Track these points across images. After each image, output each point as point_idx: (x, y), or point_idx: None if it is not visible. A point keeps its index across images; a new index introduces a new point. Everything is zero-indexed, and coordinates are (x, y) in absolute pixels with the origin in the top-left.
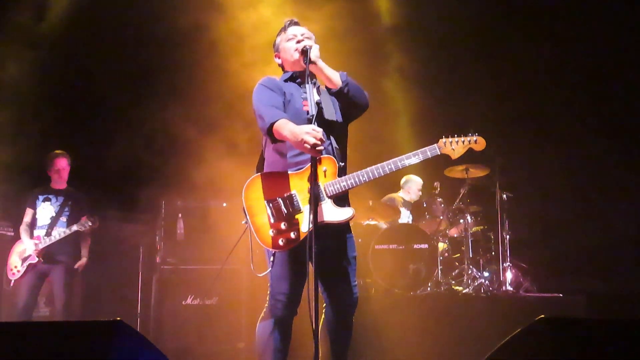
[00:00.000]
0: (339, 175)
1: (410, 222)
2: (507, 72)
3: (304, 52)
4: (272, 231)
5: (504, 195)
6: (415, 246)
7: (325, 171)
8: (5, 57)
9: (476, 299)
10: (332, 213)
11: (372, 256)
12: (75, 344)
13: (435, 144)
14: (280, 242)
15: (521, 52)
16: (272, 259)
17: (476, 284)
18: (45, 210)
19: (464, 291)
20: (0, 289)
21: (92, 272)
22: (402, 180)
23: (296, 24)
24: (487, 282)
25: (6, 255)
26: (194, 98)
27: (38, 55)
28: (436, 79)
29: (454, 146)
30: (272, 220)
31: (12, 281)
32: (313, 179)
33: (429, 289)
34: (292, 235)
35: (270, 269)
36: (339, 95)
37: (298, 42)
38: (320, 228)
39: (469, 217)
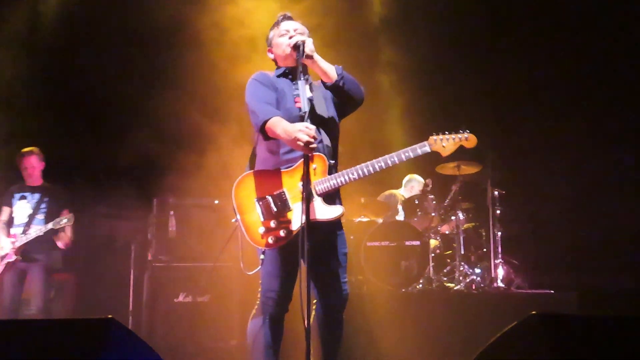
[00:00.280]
0: (330, 173)
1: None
2: (500, 68)
3: (297, 47)
4: (262, 229)
5: (496, 192)
6: (407, 243)
7: (315, 169)
8: None
9: (468, 295)
10: (322, 211)
11: (364, 253)
12: (67, 342)
13: (425, 142)
14: (270, 240)
15: (514, 48)
16: (262, 257)
17: (468, 280)
18: (22, 208)
19: (455, 288)
20: None
21: (83, 269)
22: (405, 179)
23: (289, 18)
24: (478, 278)
25: None
26: (185, 95)
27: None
28: (427, 75)
29: (445, 143)
30: (262, 218)
31: None
32: (306, 177)
33: (420, 285)
34: (282, 233)
35: (260, 266)
36: (335, 89)
37: (291, 37)
38: (311, 225)
39: (460, 214)
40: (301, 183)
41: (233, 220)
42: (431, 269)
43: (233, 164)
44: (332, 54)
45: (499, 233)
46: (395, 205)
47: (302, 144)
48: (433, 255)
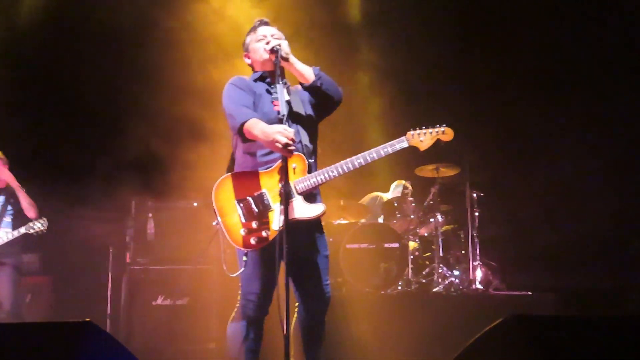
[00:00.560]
0: (309, 172)
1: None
2: (478, 71)
3: (274, 52)
4: (244, 230)
5: (474, 194)
6: (386, 245)
7: (294, 168)
8: None
9: (446, 297)
10: (302, 210)
11: (343, 255)
12: (43, 345)
13: (403, 137)
14: (252, 241)
15: (493, 50)
16: (244, 259)
17: (446, 282)
18: None
19: (434, 290)
20: None
21: (60, 272)
22: (394, 184)
23: (266, 24)
24: (457, 280)
25: None
26: (163, 98)
27: None
28: (405, 75)
29: (422, 137)
30: (243, 220)
31: None
32: (285, 178)
33: (399, 287)
34: (264, 233)
35: (243, 268)
36: (313, 89)
37: (268, 42)
38: (292, 226)
39: (439, 216)
40: (281, 183)
41: (214, 222)
42: (410, 271)
43: (212, 167)
44: (308, 54)
45: (478, 235)
46: (368, 208)
47: (280, 145)
48: (412, 257)
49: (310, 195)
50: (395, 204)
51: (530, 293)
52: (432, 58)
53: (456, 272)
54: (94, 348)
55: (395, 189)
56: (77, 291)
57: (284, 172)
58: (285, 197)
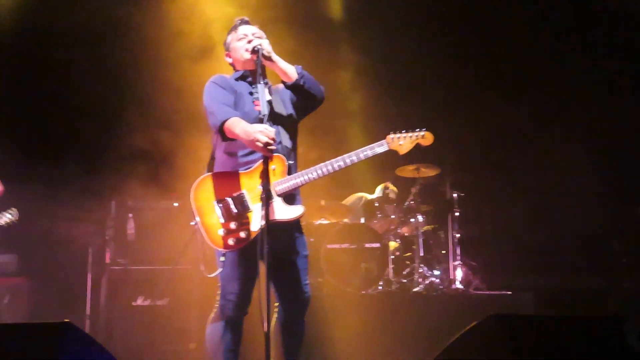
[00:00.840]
0: (289, 173)
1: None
2: (458, 72)
3: (255, 51)
4: (222, 231)
5: (454, 195)
6: (367, 245)
7: (274, 169)
8: None
9: (427, 297)
10: (282, 211)
11: (324, 255)
12: (23, 346)
13: (383, 140)
14: (231, 242)
15: (475, 49)
16: (222, 259)
17: (427, 282)
18: None
19: (415, 289)
20: None
21: (39, 273)
22: (380, 186)
23: (247, 23)
24: (437, 280)
25: None
26: (142, 98)
27: None
28: (385, 75)
29: (402, 141)
30: (221, 220)
31: None
32: (266, 178)
33: (380, 287)
34: (242, 234)
35: (220, 269)
36: (295, 88)
37: (249, 42)
38: (271, 226)
39: (420, 216)
40: (261, 184)
41: (192, 222)
42: (391, 270)
43: (192, 167)
44: (287, 53)
45: (458, 235)
46: (350, 209)
47: (260, 144)
48: (393, 257)
49: (290, 197)
50: (376, 204)
51: (510, 293)
52: (414, 57)
53: (437, 272)
54: (73, 349)
55: (381, 191)
56: (57, 292)
57: (264, 173)
58: (266, 199)
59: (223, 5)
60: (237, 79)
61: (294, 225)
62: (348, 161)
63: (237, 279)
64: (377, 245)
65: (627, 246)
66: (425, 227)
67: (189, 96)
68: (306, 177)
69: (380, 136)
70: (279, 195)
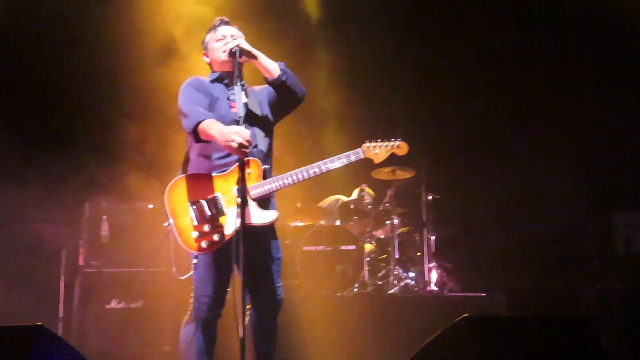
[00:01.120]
0: (264, 178)
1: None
2: (434, 75)
3: (233, 54)
4: (195, 233)
5: (430, 197)
6: (343, 247)
7: (249, 173)
8: None
9: (402, 299)
10: (256, 215)
11: (300, 258)
12: None
13: (359, 149)
14: (203, 245)
15: (449, 54)
16: (195, 261)
17: (402, 284)
18: None
19: (390, 291)
20: None
21: (11, 275)
22: (357, 190)
23: (227, 23)
24: (412, 282)
25: None
26: (115, 98)
27: None
28: (360, 78)
29: (377, 150)
30: (195, 223)
31: None
32: (242, 181)
33: (355, 289)
34: (216, 237)
35: (193, 271)
36: (277, 84)
37: (226, 43)
38: (245, 230)
39: (395, 219)
40: (236, 187)
41: (165, 224)
42: (366, 272)
43: (167, 168)
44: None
45: (433, 237)
46: (325, 211)
47: (235, 145)
48: (368, 259)
49: (265, 201)
50: (352, 207)
51: (484, 294)
52: (390, 60)
53: (412, 274)
54: (46, 352)
55: (359, 194)
56: (29, 295)
57: (242, 176)
58: (242, 202)
59: (193, 4)
60: (213, 81)
61: (268, 229)
62: (323, 168)
63: (211, 281)
64: (352, 247)
65: (598, 248)
66: (401, 229)
67: (164, 97)
68: (281, 183)
69: (356, 140)
70: (253, 200)
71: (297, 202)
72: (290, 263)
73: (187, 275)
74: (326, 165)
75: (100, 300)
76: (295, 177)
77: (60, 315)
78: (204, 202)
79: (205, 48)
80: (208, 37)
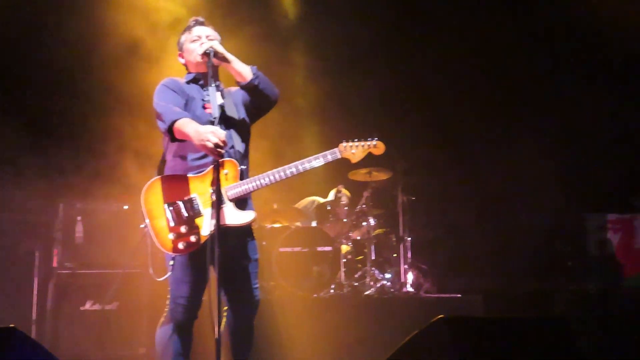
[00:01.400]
0: (241, 178)
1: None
2: (410, 76)
3: (207, 55)
4: (172, 235)
5: (406, 198)
6: (319, 249)
7: (226, 174)
8: None
9: (378, 300)
10: (233, 216)
11: (276, 259)
12: None
13: (335, 148)
14: (180, 246)
15: (426, 56)
16: (171, 262)
17: (378, 285)
18: None
19: (366, 293)
20: None
21: None
22: (334, 191)
23: (202, 24)
24: (389, 283)
25: None
26: (91, 99)
27: None
28: (336, 79)
29: (354, 150)
30: (171, 224)
31: None
32: (217, 181)
33: (332, 291)
34: (192, 238)
35: (169, 272)
36: (249, 88)
37: (202, 44)
38: (222, 231)
39: (371, 220)
40: (212, 188)
41: (142, 225)
42: (342, 274)
43: (143, 169)
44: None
45: (409, 238)
46: (302, 213)
47: (210, 145)
48: (344, 260)
49: (242, 201)
50: (329, 208)
51: (459, 295)
52: (366, 61)
53: (388, 275)
54: (18, 355)
55: (335, 195)
56: (1, 296)
57: (217, 177)
58: (218, 203)
59: (167, 3)
60: (188, 82)
61: (245, 230)
62: (300, 168)
63: (187, 283)
64: (329, 248)
65: (572, 249)
66: (377, 231)
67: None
68: (258, 183)
69: (333, 140)
70: (230, 200)
71: (273, 204)
72: (267, 264)
73: (164, 277)
74: (303, 165)
75: (75, 302)
76: (272, 178)
77: (34, 317)
78: (180, 203)
79: (180, 49)
80: (183, 38)
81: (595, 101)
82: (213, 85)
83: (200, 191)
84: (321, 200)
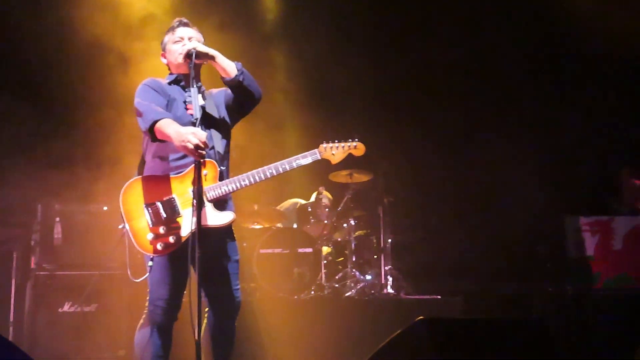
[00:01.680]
0: (221, 179)
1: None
2: (392, 77)
3: (189, 56)
4: (151, 235)
5: (386, 200)
6: (300, 250)
7: (206, 175)
8: None
9: (359, 301)
10: (212, 217)
11: (257, 260)
12: None
13: (315, 149)
14: (159, 247)
15: (407, 56)
16: (150, 263)
17: (359, 287)
18: None
19: (347, 294)
20: None
21: None
22: (315, 193)
23: (186, 25)
24: (369, 285)
25: None
26: (74, 100)
27: None
28: (317, 81)
29: (334, 151)
30: (150, 225)
31: None
32: (198, 182)
33: (312, 292)
34: (171, 239)
35: (148, 274)
36: (234, 85)
37: (184, 45)
38: (202, 232)
39: (352, 222)
40: (192, 189)
41: (120, 226)
42: (323, 275)
43: (122, 170)
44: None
45: (390, 240)
46: (283, 214)
47: (191, 146)
48: (325, 262)
49: (221, 202)
50: (310, 209)
51: (439, 297)
52: (346, 62)
53: (368, 277)
54: None
55: (316, 197)
56: None
57: (197, 177)
58: (198, 204)
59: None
60: (170, 83)
61: (225, 231)
62: (280, 169)
63: (166, 284)
64: (309, 250)
65: (550, 251)
66: (358, 232)
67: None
68: (238, 184)
69: (313, 141)
70: (210, 201)
71: (254, 205)
72: (248, 265)
73: (142, 278)
74: (283, 166)
75: (53, 303)
76: (252, 179)
77: (11, 319)
78: (159, 204)
79: (163, 49)
80: (166, 39)
81: (576, 107)
82: (195, 86)
83: (179, 192)
84: (303, 202)
